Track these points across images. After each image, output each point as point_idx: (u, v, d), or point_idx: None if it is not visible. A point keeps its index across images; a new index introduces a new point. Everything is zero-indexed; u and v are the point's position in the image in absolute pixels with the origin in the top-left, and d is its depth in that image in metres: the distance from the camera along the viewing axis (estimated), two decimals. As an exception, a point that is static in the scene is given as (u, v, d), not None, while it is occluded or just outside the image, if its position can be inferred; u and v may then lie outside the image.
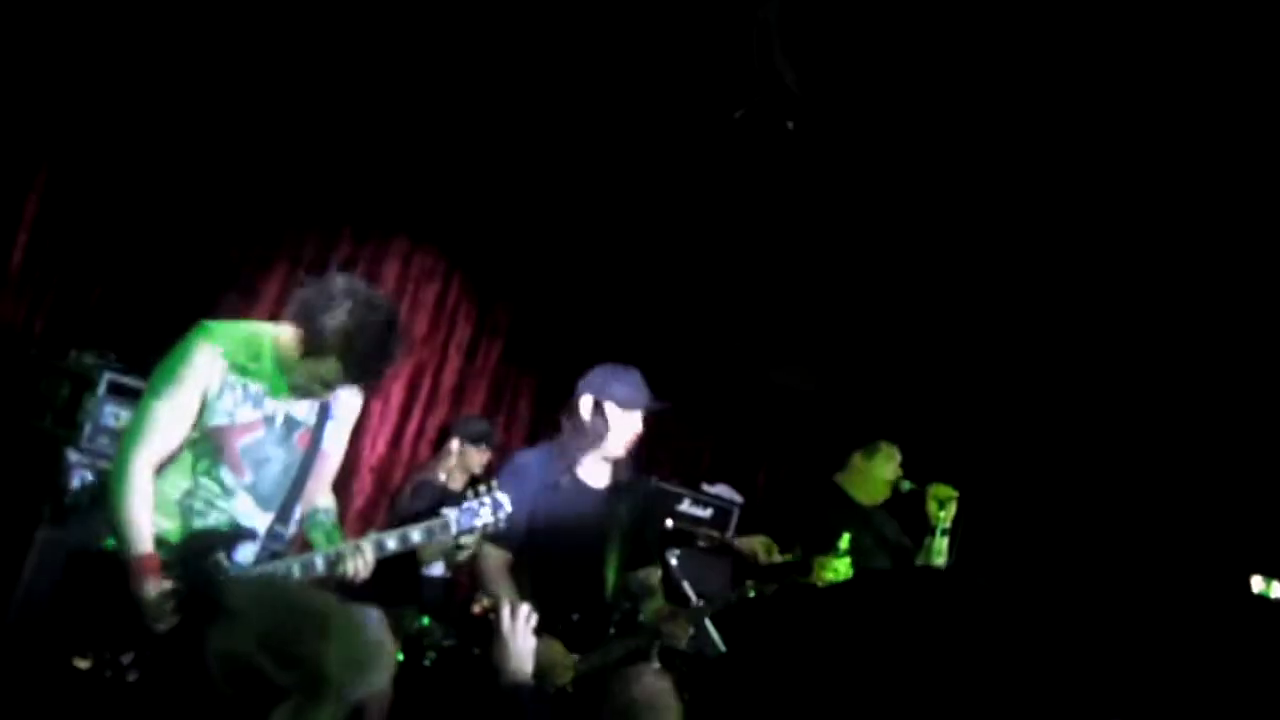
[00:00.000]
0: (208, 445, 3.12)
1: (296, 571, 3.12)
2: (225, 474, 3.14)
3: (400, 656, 4.32)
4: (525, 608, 3.10)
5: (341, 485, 3.48)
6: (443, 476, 5.32)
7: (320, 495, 3.38)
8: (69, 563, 3.10)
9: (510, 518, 3.33)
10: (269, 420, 3.19)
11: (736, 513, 6.02)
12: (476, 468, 5.33)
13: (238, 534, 3.15)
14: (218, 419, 3.11)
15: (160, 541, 3.02)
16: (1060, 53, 3.97)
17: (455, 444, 5.39)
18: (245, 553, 3.17)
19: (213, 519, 3.13)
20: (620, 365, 3.93)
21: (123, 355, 4.83)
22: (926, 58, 4.12)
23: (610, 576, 3.82)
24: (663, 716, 3.44)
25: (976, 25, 3.95)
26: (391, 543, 3.20)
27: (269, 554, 3.20)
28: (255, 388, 3.16)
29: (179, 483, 3.12)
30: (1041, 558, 5.89)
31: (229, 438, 3.13)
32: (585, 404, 3.85)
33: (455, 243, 6.07)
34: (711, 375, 6.71)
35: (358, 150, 5.56)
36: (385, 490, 5.98)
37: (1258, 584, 5.47)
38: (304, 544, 3.36)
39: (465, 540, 3.29)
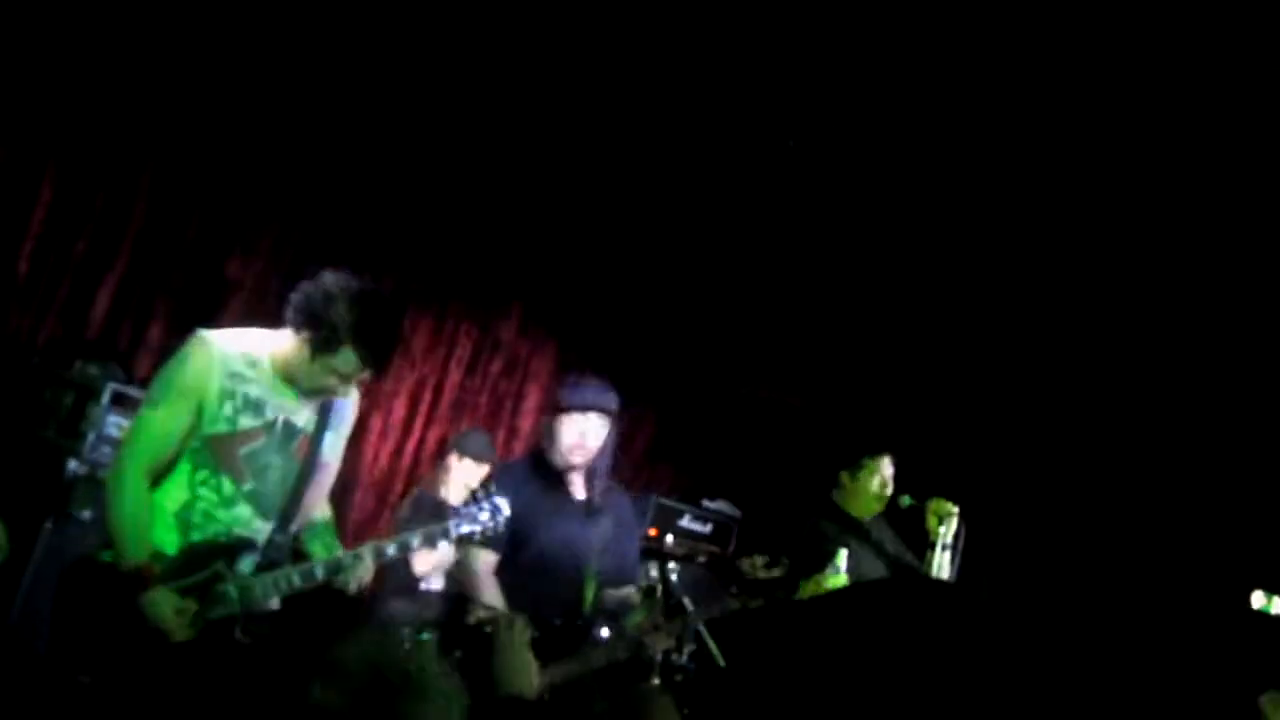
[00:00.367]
0: (208, 454, 3.13)
1: (297, 581, 3.14)
2: (225, 482, 3.15)
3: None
4: (521, 620, 3.10)
5: (340, 498, 3.49)
6: (441, 490, 5.33)
7: (318, 506, 3.39)
8: (66, 575, 3.10)
9: (507, 521, 3.36)
10: (269, 427, 3.20)
11: (736, 528, 6.03)
12: (475, 482, 5.33)
13: (237, 544, 3.16)
14: (217, 427, 3.13)
15: (158, 554, 3.03)
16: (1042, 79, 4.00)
17: (453, 458, 5.40)
18: (245, 563, 3.17)
19: (211, 531, 3.14)
20: (573, 373, 4.03)
21: (126, 366, 4.86)
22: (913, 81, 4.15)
23: (588, 590, 3.83)
24: None
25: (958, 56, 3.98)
26: (391, 549, 3.23)
27: (268, 563, 3.21)
28: (254, 395, 3.18)
29: (176, 495, 3.13)
30: (1041, 572, 5.88)
31: (230, 445, 3.14)
32: (548, 415, 3.95)
33: (456, 262, 6.10)
34: (711, 390, 6.72)
35: (355, 163, 5.58)
36: (385, 504, 6.00)
37: (1258, 600, 5.45)
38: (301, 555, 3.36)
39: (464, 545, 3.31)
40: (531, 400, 6.53)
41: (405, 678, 1.79)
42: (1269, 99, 3.71)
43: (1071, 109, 4.13)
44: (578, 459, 3.89)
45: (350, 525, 5.68)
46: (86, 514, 4.32)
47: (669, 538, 5.67)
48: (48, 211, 4.95)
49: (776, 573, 3.94)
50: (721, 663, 3.86)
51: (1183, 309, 5.17)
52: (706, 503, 6.15)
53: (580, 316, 6.43)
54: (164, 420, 3.09)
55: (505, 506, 3.33)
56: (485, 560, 3.74)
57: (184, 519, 3.12)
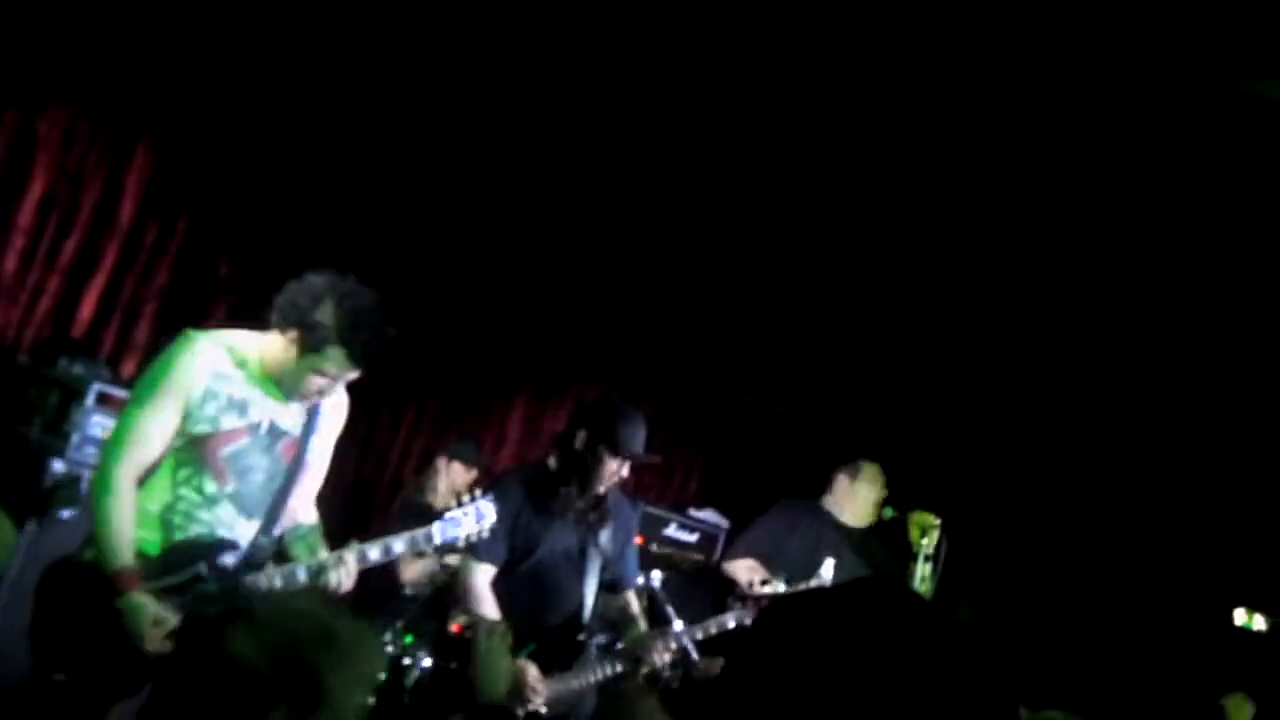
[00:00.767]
0: (191, 453, 3.12)
1: (278, 582, 3.12)
2: (208, 482, 3.14)
3: (382, 675, 4.31)
4: (501, 627, 3.10)
5: (323, 501, 3.49)
6: (429, 496, 5.33)
7: (303, 509, 3.38)
8: (47, 574, 3.09)
9: (494, 528, 3.33)
10: (254, 428, 3.19)
11: (723, 537, 6.03)
12: (462, 486, 5.33)
13: (219, 546, 3.15)
14: (201, 426, 3.12)
15: (140, 554, 3.02)
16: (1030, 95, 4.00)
17: (442, 462, 5.40)
18: (227, 564, 3.17)
19: (194, 531, 3.12)
20: (625, 407, 3.90)
21: (112, 366, 4.85)
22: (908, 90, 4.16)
23: (589, 601, 3.82)
24: None
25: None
26: (374, 553, 3.19)
27: (251, 565, 3.20)
28: (240, 395, 3.17)
29: (160, 495, 3.12)
30: (1024, 587, 5.89)
31: (213, 445, 3.13)
32: (580, 438, 3.81)
33: (447, 263, 6.10)
34: (700, 399, 6.73)
35: (340, 164, 5.59)
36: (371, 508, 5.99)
37: (1240, 617, 5.48)
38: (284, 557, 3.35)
39: (449, 557, 3.29)
40: (518, 409, 6.53)
41: (321, 630, 1.79)
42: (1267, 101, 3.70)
43: (1062, 121, 4.14)
44: (604, 488, 3.86)
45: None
46: (69, 513, 4.30)
47: (654, 546, 5.67)
48: (36, 210, 4.94)
49: (771, 589, 3.94)
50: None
51: (1165, 327, 5.19)
52: (694, 511, 6.16)
53: (566, 322, 6.42)
54: (149, 420, 3.08)
55: (491, 512, 3.30)
56: (480, 572, 3.71)
57: (166, 520, 3.11)
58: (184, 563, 3.09)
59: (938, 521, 4.62)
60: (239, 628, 1.76)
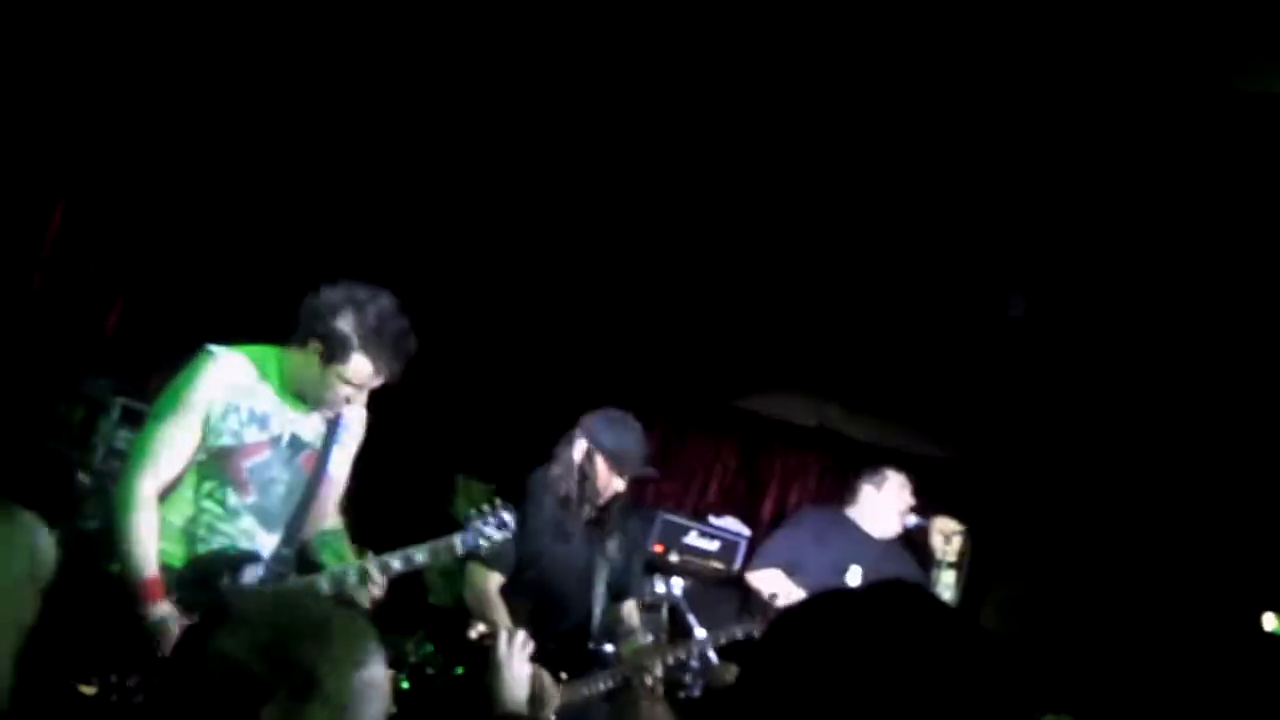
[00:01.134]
0: (213, 467, 3.16)
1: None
2: (230, 494, 3.17)
3: (405, 684, 4.32)
4: (521, 634, 3.10)
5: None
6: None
7: (326, 519, 3.40)
8: (72, 587, 3.11)
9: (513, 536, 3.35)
10: (275, 441, 3.22)
11: (743, 546, 6.01)
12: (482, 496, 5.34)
13: (242, 558, 3.17)
14: (224, 440, 3.15)
15: (164, 567, 3.05)
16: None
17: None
18: (250, 575, 3.19)
19: (216, 544, 3.15)
20: (623, 417, 3.87)
21: (136, 381, 4.89)
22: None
23: (597, 610, 3.82)
24: None
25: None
26: (396, 563, 3.20)
27: (274, 576, 3.22)
28: (261, 409, 3.20)
29: (183, 508, 3.15)
30: (1051, 593, 5.84)
31: (235, 458, 3.16)
32: (579, 448, 3.80)
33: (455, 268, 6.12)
34: (718, 406, 6.71)
35: (357, 177, 5.62)
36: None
37: (1269, 622, 5.42)
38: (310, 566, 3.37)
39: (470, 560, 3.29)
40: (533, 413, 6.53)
41: (303, 617, 1.79)
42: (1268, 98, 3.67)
43: (1083, 138, 4.11)
44: (602, 500, 3.85)
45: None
46: (95, 525, 4.34)
47: (674, 554, 5.66)
48: (61, 227, 5.00)
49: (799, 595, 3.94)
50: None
51: (1200, 334, 5.14)
52: (714, 520, 6.14)
53: (585, 328, 6.41)
54: (171, 434, 3.11)
55: (512, 520, 3.32)
56: (490, 579, 3.72)
57: (189, 532, 3.14)
58: (207, 575, 3.12)
59: (961, 528, 4.59)
60: (225, 627, 1.76)
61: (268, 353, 3.27)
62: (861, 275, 5.53)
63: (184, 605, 3.02)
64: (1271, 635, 5.46)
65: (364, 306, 3.13)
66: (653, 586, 4.07)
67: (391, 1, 4.37)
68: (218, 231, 5.41)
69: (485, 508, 3.33)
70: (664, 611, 4.08)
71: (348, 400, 3.24)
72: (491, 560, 3.62)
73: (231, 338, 3.54)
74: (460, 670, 3.77)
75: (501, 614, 3.66)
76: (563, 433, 3.89)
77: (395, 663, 4.43)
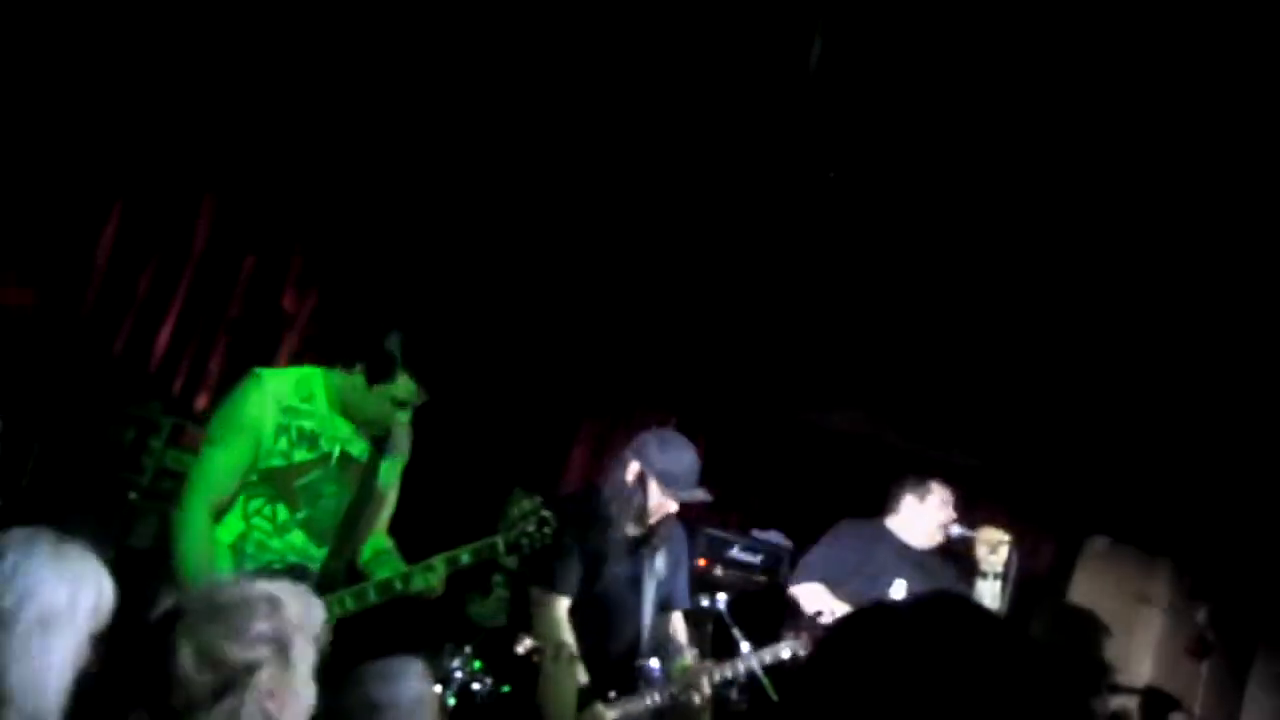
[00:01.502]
0: (264, 486, 3.23)
1: (350, 604, 3.18)
2: (279, 509, 3.24)
3: (452, 700, 4.33)
4: (569, 650, 3.11)
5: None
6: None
7: (376, 534, 3.46)
8: (127, 611, 3.16)
9: (566, 560, 3.37)
10: (324, 459, 3.29)
11: (788, 558, 5.99)
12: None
13: (291, 571, 3.21)
14: (274, 461, 3.22)
15: (216, 584, 3.10)
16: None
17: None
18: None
19: (265, 559, 3.21)
20: (676, 438, 3.88)
21: (186, 401, 4.97)
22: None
23: (647, 624, 3.82)
24: None
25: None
26: (440, 567, 3.25)
27: (322, 589, 3.25)
28: (309, 428, 3.28)
29: (232, 526, 3.21)
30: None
31: (286, 477, 3.24)
32: (631, 470, 3.80)
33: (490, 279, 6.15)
34: (761, 418, 6.70)
35: (402, 198, 5.67)
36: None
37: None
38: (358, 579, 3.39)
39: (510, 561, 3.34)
40: (584, 430, 6.55)
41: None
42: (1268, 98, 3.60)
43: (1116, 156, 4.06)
44: (652, 520, 3.84)
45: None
46: (146, 545, 4.41)
47: (718, 568, 5.65)
48: (111, 250, 5.08)
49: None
50: (775, 696, 3.85)
51: (1226, 348, 5.06)
52: (757, 533, 6.12)
53: (630, 341, 6.43)
54: (225, 458, 3.19)
55: (553, 519, 3.33)
56: (562, 604, 3.69)
57: (238, 549, 3.20)
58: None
59: (1007, 538, 4.54)
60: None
61: (313, 374, 3.34)
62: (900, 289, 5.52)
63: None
64: None
65: (408, 327, 3.26)
66: (698, 601, 4.07)
67: (386, 5, 4.39)
68: (270, 253, 5.48)
69: (526, 505, 3.35)
70: (709, 626, 4.07)
71: (390, 419, 3.29)
72: (558, 584, 3.65)
73: (279, 356, 3.59)
74: (507, 688, 3.79)
75: (570, 637, 3.62)
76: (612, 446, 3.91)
77: (443, 680, 4.45)
